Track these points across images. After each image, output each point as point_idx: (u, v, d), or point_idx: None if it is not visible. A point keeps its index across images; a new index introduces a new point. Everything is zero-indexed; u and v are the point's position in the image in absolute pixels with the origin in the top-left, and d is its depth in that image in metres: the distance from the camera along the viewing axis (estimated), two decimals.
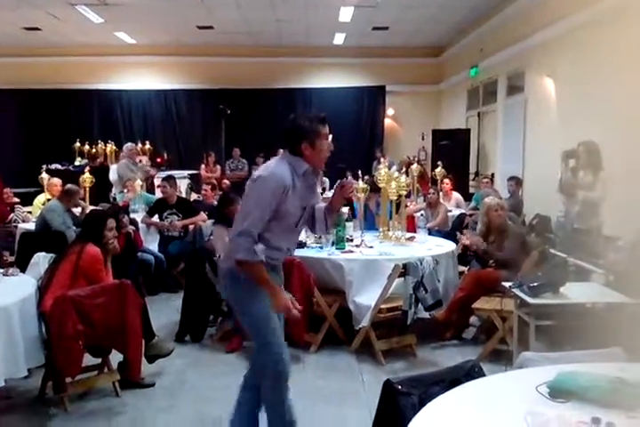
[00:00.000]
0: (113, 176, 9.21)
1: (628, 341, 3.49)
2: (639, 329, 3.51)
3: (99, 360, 3.90)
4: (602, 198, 5.29)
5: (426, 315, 4.61)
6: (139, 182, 7.79)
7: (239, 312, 2.89)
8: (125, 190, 7.85)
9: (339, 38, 12.64)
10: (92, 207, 6.70)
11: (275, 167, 2.70)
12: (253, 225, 2.61)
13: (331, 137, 2.81)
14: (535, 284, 3.54)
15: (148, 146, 11.52)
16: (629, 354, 2.42)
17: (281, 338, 2.80)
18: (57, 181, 7.30)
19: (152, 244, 6.63)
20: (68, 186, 6.51)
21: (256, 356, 2.91)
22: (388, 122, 14.37)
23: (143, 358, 3.91)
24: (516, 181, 8.01)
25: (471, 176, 11.17)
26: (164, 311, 5.43)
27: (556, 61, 7.76)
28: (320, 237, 5.09)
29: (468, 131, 11.52)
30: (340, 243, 4.90)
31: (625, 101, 6.16)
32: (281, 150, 2.88)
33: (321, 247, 4.96)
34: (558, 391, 1.92)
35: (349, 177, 3.64)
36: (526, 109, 8.94)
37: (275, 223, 2.69)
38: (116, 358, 3.88)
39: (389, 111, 14.25)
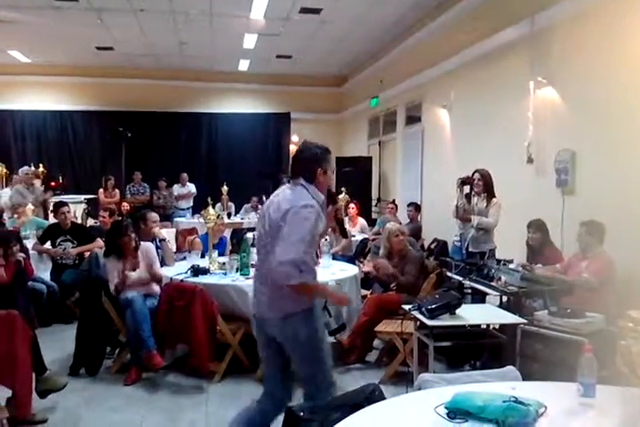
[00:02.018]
0: (3, 200, 8.76)
1: (521, 360, 3.68)
2: (531, 349, 3.70)
3: None
4: (494, 223, 5.59)
5: (330, 339, 4.61)
6: (30, 207, 7.43)
7: (310, 346, 2.80)
8: (15, 216, 7.45)
9: (243, 64, 12.73)
10: None
11: (307, 197, 2.78)
12: (302, 253, 2.62)
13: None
14: (432, 306, 3.66)
15: (41, 169, 11.01)
16: (522, 372, 2.53)
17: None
18: None
19: (44, 272, 6.28)
20: None
21: (313, 379, 2.84)
22: (293, 148, 14.51)
23: (34, 394, 3.69)
24: (415, 207, 8.30)
25: (373, 202, 11.46)
26: (58, 343, 5.14)
27: (449, 93, 8.17)
28: (224, 264, 5.03)
29: (369, 158, 11.83)
30: (244, 269, 4.84)
31: (509, 131, 6.58)
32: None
33: (225, 273, 4.90)
34: (456, 412, 1.96)
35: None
36: (423, 139, 9.32)
37: None
38: (4, 393, 3.61)
39: (294, 138, 14.43)
